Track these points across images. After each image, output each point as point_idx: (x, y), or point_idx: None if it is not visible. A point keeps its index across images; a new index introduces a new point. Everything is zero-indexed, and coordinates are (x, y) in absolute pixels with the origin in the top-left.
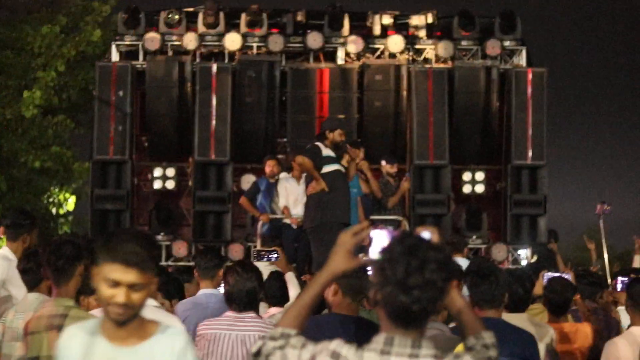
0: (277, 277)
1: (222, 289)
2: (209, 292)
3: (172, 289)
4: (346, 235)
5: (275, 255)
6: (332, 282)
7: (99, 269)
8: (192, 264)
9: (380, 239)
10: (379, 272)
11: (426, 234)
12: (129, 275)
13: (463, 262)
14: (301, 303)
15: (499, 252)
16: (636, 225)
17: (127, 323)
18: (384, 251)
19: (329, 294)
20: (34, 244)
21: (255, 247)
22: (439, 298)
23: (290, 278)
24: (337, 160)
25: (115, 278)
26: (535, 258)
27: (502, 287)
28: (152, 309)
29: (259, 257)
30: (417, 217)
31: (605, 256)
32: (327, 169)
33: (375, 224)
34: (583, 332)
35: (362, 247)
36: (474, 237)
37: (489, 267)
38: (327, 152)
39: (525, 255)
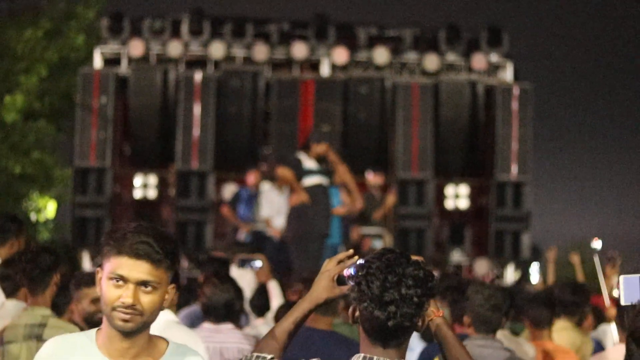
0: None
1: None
2: None
3: None
4: (330, 263)
5: (259, 263)
6: (313, 311)
7: (104, 269)
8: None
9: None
10: (356, 287)
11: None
12: (137, 270)
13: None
14: (280, 329)
15: (481, 267)
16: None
17: (134, 336)
18: (362, 267)
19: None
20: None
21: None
22: (415, 314)
23: (273, 287)
24: (318, 172)
25: (121, 273)
26: (519, 274)
27: (503, 306)
28: (172, 325)
29: (243, 264)
30: (400, 231)
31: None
32: (308, 181)
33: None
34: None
35: (340, 277)
36: (457, 251)
37: (491, 285)
38: (309, 164)
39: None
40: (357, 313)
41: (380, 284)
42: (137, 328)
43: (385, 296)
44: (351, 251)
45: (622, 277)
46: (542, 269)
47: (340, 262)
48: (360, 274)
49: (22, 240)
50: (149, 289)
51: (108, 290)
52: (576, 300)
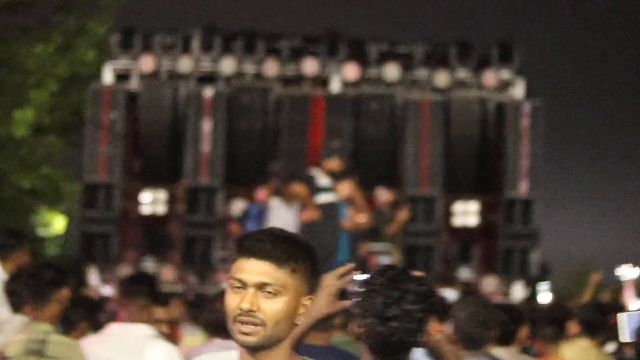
0: None
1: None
2: None
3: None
4: (330, 278)
5: None
6: (314, 326)
7: (230, 274)
8: (178, 289)
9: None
10: (359, 303)
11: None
12: (257, 270)
13: (453, 295)
14: None
15: (489, 284)
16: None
17: (264, 352)
18: (365, 283)
19: None
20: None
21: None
22: (418, 330)
23: None
24: (331, 190)
25: (240, 277)
26: (528, 291)
27: (491, 323)
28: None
29: (223, 261)
30: (408, 248)
31: None
32: (320, 198)
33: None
34: None
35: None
36: (464, 268)
37: (476, 301)
38: (321, 181)
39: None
40: (360, 329)
41: (382, 299)
42: (261, 342)
43: (387, 312)
44: (352, 265)
45: (624, 314)
46: (553, 287)
47: (340, 276)
48: (362, 290)
49: (26, 254)
50: (271, 294)
51: (228, 299)
52: (601, 320)
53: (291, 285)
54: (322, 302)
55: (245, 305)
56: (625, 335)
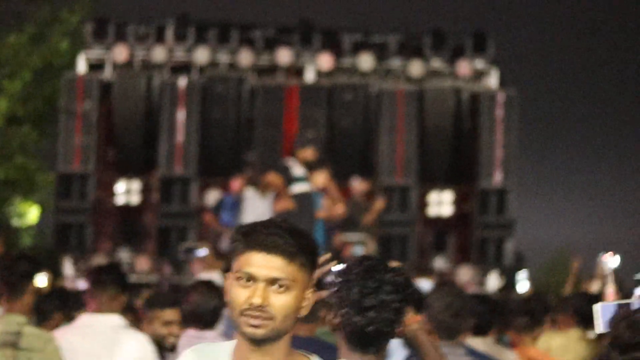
0: None
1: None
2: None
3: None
4: None
5: (204, 252)
6: None
7: (232, 269)
8: (153, 279)
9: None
10: (336, 293)
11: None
12: (267, 265)
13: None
14: None
15: (464, 274)
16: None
17: (266, 345)
18: (342, 273)
19: None
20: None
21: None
22: (394, 320)
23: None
24: (306, 180)
25: (249, 271)
26: (503, 281)
27: (466, 313)
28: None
29: (187, 253)
30: (383, 238)
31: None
32: (295, 188)
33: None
34: None
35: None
36: (439, 258)
37: (451, 291)
38: (296, 171)
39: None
40: (337, 319)
41: (359, 289)
42: (269, 335)
43: (364, 302)
44: (329, 255)
45: (599, 305)
46: (531, 276)
47: (318, 267)
48: (339, 280)
49: (1, 244)
50: (281, 288)
51: (235, 292)
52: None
53: (300, 280)
54: None
55: (257, 301)
56: (600, 326)
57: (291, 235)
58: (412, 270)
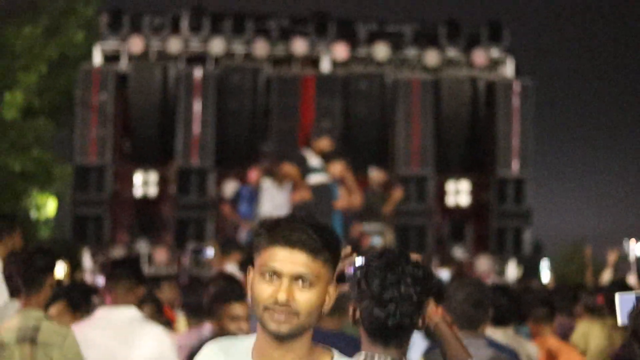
0: None
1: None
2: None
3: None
4: None
5: (211, 251)
6: None
7: (255, 264)
8: (172, 271)
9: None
10: (356, 286)
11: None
12: (292, 261)
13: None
14: None
15: (482, 264)
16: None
17: (289, 341)
18: (362, 266)
19: None
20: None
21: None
22: (415, 313)
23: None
24: (323, 170)
25: (274, 267)
26: (521, 270)
27: (486, 303)
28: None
29: (195, 254)
30: (400, 228)
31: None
32: (312, 178)
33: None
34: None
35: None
36: (457, 248)
37: (471, 282)
38: (313, 161)
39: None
40: (358, 312)
41: (379, 282)
42: (292, 332)
43: (384, 294)
44: (349, 249)
45: (618, 296)
46: (553, 265)
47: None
48: (359, 272)
49: (18, 237)
50: (306, 284)
51: (259, 288)
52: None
53: (323, 276)
54: None
55: (283, 296)
56: (620, 317)
57: (315, 231)
58: (431, 261)
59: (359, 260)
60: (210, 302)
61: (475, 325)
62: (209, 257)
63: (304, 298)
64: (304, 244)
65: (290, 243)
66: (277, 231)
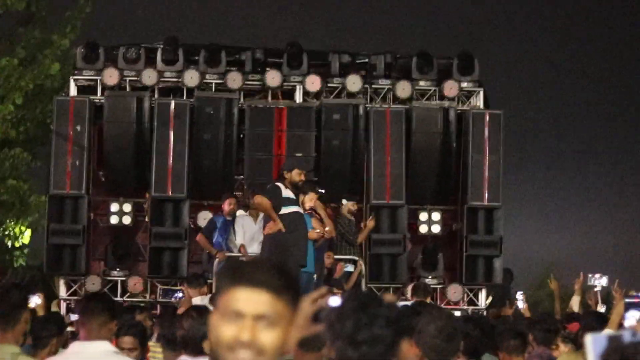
0: None
1: None
2: None
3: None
4: (304, 303)
5: (180, 295)
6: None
7: (218, 305)
8: (146, 299)
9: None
10: (330, 327)
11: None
12: (256, 301)
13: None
14: None
15: (454, 292)
16: (588, 263)
17: None
18: (336, 307)
19: None
20: None
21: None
22: (388, 354)
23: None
24: (296, 201)
25: (237, 307)
26: (490, 299)
27: (458, 335)
28: (110, 355)
29: (166, 295)
30: (373, 257)
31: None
32: (285, 210)
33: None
34: None
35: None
36: (430, 277)
37: (442, 315)
38: (286, 192)
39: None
40: (332, 353)
41: (353, 323)
42: None
43: (357, 336)
44: (324, 289)
45: (590, 336)
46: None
47: (315, 300)
48: (334, 314)
49: None
50: (269, 324)
51: (222, 328)
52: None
53: (285, 316)
54: (297, 326)
55: (246, 336)
56: (590, 358)
57: (277, 271)
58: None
59: (334, 301)
60: (185, 336)
61: (444, 358)
62: (179, 299)
63: (268, 338)
64: (267, 283)
65: (253, 283)
66: (240, 272)
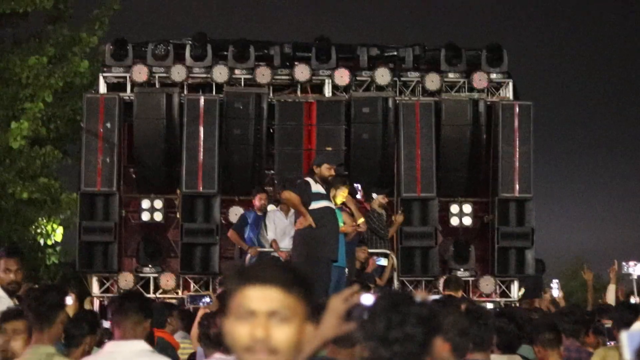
0: None
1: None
2: None
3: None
4: (337, 301)
5: (208, 299)
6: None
7: (229, 309)
8: (180, 296)
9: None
10: (362, 327)
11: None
12: (266, 298)
13: None
14: None
15: (486, 284)
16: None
17: None
18: (369, 307)
19: None
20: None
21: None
22: (420, 353)
23: None
24: (327, 196)
25: (248, 306)
26: (522, 290)
27: (490, 329)
28: (146, 355)
29: (192, 301)
30: (405, 250)
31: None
32: (315, 205)
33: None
34: None
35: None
36: (462, 269)
37: (476, 309)
38: (316, 187)
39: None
40: (364, 352)
41: (385, 323)
42: None
43: (389, 335)
44: (357, 287)
45: (624, 333)
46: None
47: (346, 298)
48: (366, 312)
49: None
50: (282, 320)
51: (236, 330)
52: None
53: (298, 311)
54: (329, 324)
55: (260, 333)
56: (627, 354)
57: (285, 268)
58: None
59: (366, 299)
60: (218, 334)
61: (460, 354)
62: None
63: (281, 334)
64: (276, 279)
65: (262, 280)
66: (247, 271)
